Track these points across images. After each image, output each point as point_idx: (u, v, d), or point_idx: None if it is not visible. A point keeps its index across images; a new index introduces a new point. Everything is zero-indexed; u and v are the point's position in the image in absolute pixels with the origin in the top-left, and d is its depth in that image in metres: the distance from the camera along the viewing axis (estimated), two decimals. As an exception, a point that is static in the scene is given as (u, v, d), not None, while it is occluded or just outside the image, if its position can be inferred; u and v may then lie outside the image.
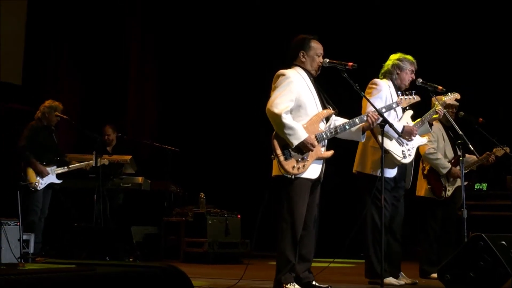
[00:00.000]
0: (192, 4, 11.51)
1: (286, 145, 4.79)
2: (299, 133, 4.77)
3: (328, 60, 5.13)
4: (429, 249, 6.50)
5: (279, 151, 4.77)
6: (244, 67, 10.98)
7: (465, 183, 6.51)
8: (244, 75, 10.96)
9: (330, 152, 4.96)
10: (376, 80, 5.79)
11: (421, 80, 5.85)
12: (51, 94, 8.94)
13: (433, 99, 6.03)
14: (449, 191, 6.51)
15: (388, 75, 5.84)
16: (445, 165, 6.49)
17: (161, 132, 11.19)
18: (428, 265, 6.44)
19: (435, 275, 6.31)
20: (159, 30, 11.62)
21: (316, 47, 5.07)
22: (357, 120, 5.09)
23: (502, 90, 9.82)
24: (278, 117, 4.74)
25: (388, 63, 5.87)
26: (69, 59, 10.33)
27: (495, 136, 6.67)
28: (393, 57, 5.88)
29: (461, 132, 5.85)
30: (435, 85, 5.88)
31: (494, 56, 9.94)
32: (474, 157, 6.56)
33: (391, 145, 5.60)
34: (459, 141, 5.92)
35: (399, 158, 5.63)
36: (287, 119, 4.77)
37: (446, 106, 6.32)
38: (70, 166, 7.90)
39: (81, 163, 8.00)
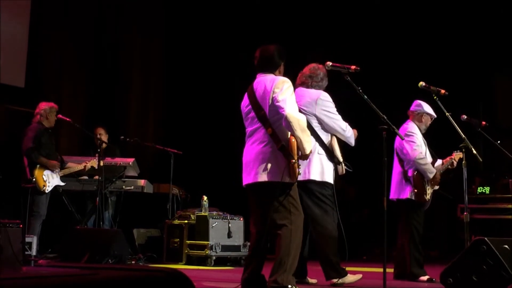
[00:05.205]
0: (198, 6, 11.51)
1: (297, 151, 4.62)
2: (311, 142, 4.74)
3: (331, 64, 5.12)
4: (416, 251, 6.33)
5: (296, 157, 4.59)
6: (248, 70, 10.96)
7: (437, 187, 6.51)
8: (247, 78, 10.94)
9: None
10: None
11: (424, 84, 5.72)
12: (54, 97, 8.95)
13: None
14: (429, 195, 6.43)
15: (325, 87, 5.76)
16: (432, 170, 6.42)
17: (164, 135, 11.18)
18: (417, 268, 6.31)
19: (424, 277, 6.26)
20: (164, 34, 11.62)
21: None
22: None
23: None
24: (304, 122, 4.60)
25: (319, 72, 5.73)
26: (72, 62, 10.33)
27: (497, 140, 6.63)
28: (322, 68, 5.68)
29: (464, 136, 5.77)
30: (438, 88, 5.80)
31: (494, 56, 9.94)
32: (441, 161, 6.58)
33: (340, 156, 5.57)
34: (462, 144, 5.84)
35: (349, 170, 5.60)
36: None
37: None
38: (71, 168, 7.94)
39: (80, 164, 8.03)
